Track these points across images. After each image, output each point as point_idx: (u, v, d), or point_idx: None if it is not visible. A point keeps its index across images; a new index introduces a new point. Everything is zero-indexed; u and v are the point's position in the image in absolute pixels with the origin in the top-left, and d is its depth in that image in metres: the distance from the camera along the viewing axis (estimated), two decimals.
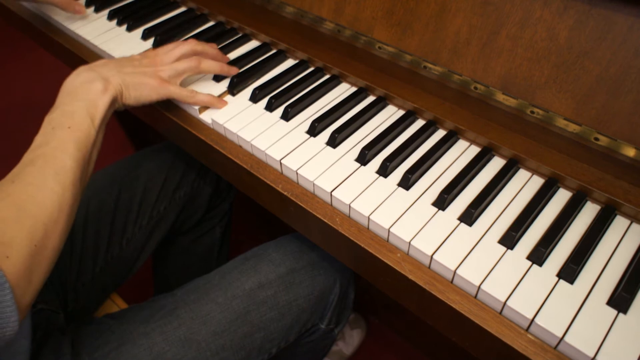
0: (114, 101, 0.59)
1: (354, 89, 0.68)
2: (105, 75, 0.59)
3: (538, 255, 0.48)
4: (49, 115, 0.55)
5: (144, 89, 0.61)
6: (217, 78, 0.70)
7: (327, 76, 0.70)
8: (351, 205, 0.53)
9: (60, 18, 0.83)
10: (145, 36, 0.78)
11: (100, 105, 0.57)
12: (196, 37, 0.78)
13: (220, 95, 0.67)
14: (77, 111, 0.55)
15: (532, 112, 0.59)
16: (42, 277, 0.47)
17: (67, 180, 0.50)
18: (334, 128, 0.61)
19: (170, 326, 0.63)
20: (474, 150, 0.59)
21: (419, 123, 0.63)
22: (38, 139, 0.53)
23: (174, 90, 0.63)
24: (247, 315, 0.66)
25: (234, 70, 0.70)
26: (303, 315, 0.71)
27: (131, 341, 0.62)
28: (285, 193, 0.57)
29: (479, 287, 0.46)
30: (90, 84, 0.57)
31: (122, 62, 0.63)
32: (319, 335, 0.78)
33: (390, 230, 0.50)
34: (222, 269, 0.71)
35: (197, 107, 0.65)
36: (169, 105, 0.68)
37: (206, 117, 0.65)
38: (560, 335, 0.42)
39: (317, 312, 0.74)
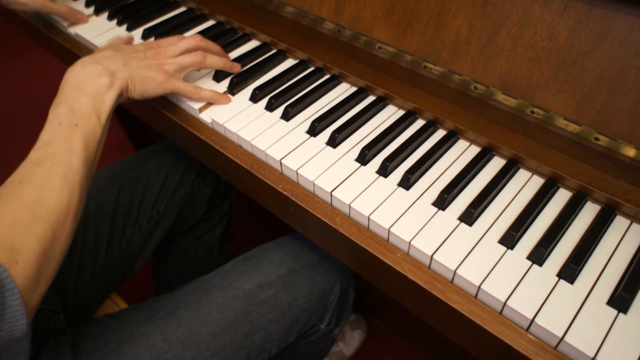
0: (119, 96, 0.58)
1: (354, 89, 0.68)
2: (112, 69, 0.58)
3: (538, 255, 0.48)
4: (55, 109, 0.54)
5: (149, 83, 0.61)
6: (217, 78, 0.70)
7: (327, 76, 0.70)
8: (351, 205, 0.53)
9: (60, 18, 0.83)
10: (145, 36, 0.78)
11: (107, 101, 0.56)
12: None
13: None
14: (84, 107, 0.54)
15: (532, 112, 0.59)
16: (49, 279, 0.47)
17: (74, 181, 0.50)
18: (334, 128, 0.61)
19: (170, 326, 0.63)
20: (474, 150, 0.59)
21: (419, 123, 0.63)
22: (45, 136, 0.52)
23: (179, 86, 0.63)
24: (247, 316, 0.66)
25: (237, 67, 0.70)
26: (303, 316, 0.71)
27: (131, 341, 0.61)
28: (285, 193, 0.57)
29: (479, 287, 0.46)
30: (97, 78, 0.57)
31: (127, 54, 0.62)
32: (318, 336, 0.78)
33: (391, 230, 0.50)
34: (222, 269, 0.71)
35: (197, 107, 0.65)
36: (168, 104, 0.68)
37: (206, 116, 0.65)
38: (560, 335, 0.42)
39: (317, 313, 0.74)
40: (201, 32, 0.79)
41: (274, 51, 0.75)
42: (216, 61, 0.67)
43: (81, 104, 0.54)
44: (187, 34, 0.80)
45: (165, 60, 0.63)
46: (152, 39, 0.78)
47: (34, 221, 0.46)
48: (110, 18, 0.82)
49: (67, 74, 0.57)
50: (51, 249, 0.47)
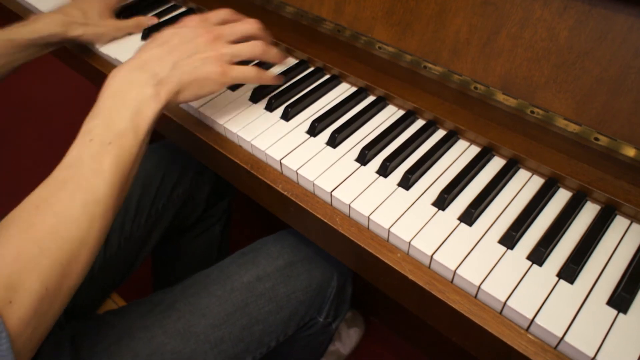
0: (166, 106, 0.52)
1: (354, 89, 0.68)
2: (160, 75, 0.51)
3: (538, 255, 0.48)
4: (89, 121, 0.48)
5: (204, 83, 0.54)
6: None
7: (327, 76, 0.70)
8: (351, 205, 0.53)
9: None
10: (145, 36, 0.78)
11: (149, 115, 0.49)
12: None
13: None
14: (122, 122, 0.47)
15: (532, 112, 0.59)
16: (53, 319, 0.43)
17: (96, 211, 0.44)
18: (334, 128, 0.61)
19: (170, 319, 0.63)
20: (474, 150, 0.59)
21: (419, 123, 0.63)
22: (73, 152, 0.46)
23: (237, 76, 0.56)
24: (246, 308, 0.66)
25: (285, 59, 0.65)
26: (301, 308, 0.71)
27: (130, 335, 0.62)
28: (285, 193, 0.57)
29: (479, 287, 0.46)
30: (141, 87, 0.50)
31: (177, 49, 0.53)
32: (317, 329, 0.78)
33: (390, 230, 0.50)
34: (220, 263, 0.72)
35: (196, 107, 0.65)
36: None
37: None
38: (560, 335, 0.42)
39: (315, 305, 0.74)
40: None
41: None
42: (275, 55, 0.60)
43: (119, 118, 0.48)
44: None
45: (221, 48, 0.55)
46: None
47: (41, 256, 0.40)
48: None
49: (109, 80, 0.50)
50: (57, 288, 0.41)
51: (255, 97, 0.66)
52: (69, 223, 0.43)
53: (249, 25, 0.58)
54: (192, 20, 0.57)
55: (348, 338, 1.14)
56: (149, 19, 0.77)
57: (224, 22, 0.59)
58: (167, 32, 0.56)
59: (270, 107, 0.65)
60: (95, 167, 0.45)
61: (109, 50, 0.75)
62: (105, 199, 0.45)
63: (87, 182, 0.44)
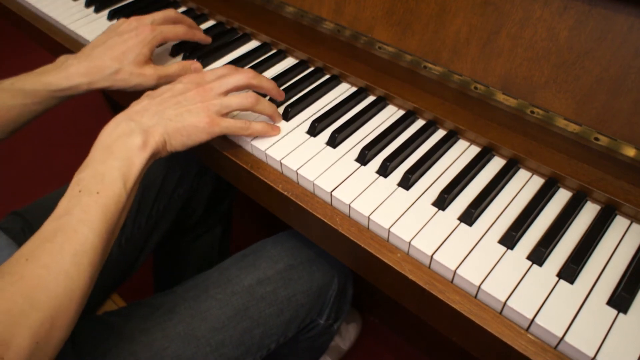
0: (154, 155, 0.52)
1: (354, 89, 0.68)
2: (146, 125, 0.52)
3: (538, 255, 0.48)
4: (79, 173, 0.49)
5: (192, 132, 0.54)
6: None
7: (327, 76, 0.70)
8: (351, 205, 0.53)
9: (61, 18, 0.83)
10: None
11: (137, 164, 0.50)
12: None
13: None
14: (109, 172, 0.48)
15: (532, 112, 0.59)
16: None
17: (85, 261, 0.45)
18: (334, 128, 0.61)
19: (170, 322, 0.63)
20: (474, 150, 0.59)
21: (419, 123, 0.63)
22: (63, 203, 0.47)
23: (226, 127, 0.56)
24: (247, 311, 0.66)
25: (280, 119, 0.62)
26: (302, 311, 0.71)
27: (131, 338, 0.62)
28: (285, 193, 0.57)
29: (479, 287, 0.46)
30: (128, 137, 0.50)
31: (164, 102, 0.54)
32: (317, 331, 0.78)
33: (391, 230, 0.50)
34: (220, 265, 0.71)
35: None
36: None
37: None
38: (560, 335, 0.42)
39: (316, 308, 0.74)
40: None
41: (274, 51, 0.75)
42: (267, 108, 0.59)
43: (106, 169, 0.48)
44: None
45: (210, 99, 0.55)
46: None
47: (32, 309, 0.40)
48: (110, 18, 0.82)
49: (100, 134, 0.52)
50: (46, 342, 0.41)
51: None
52: (58, 274, 0.43)
53: (241, 76, 0.58)
54: (187, 77, 0.58)
55: (347, 333, 1.15)
56: (192, 63, 0.68)
57: (221, 78, 0.58)
58: (161, 88, 0.57)
59: None
60: (83, 216, 0.46)
61: None
62: (93, 248, 0.46)
63: (75, 232, 0.45)
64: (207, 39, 0.72)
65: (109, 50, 0.63)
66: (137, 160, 0.50)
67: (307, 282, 0.71)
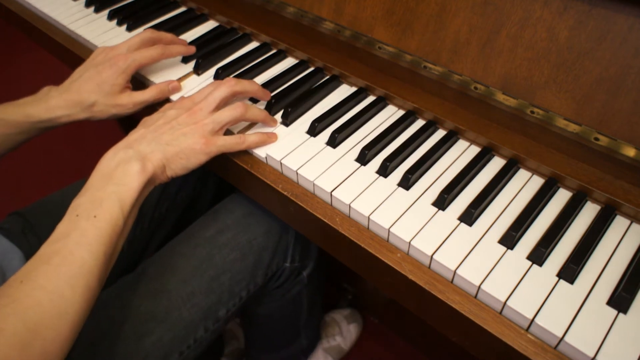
0: (151, 181, 0.54)
1: (354, 88, 0.68)
2: (144, 152, 0.54)
3: (538, 255, 0.48)
4: (77, 199, 0.50)
5: (190, 154, 0.56)
6: (215, 76, 0.70)
7: (327, 76, 0.70)
8: (351, 205, 0.53)
9: (61, 18, 0.83)
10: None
11: (134, 188, 0.51)
12: (195, 37, 0.78)
13: None
14: (107, 198, 0.49)
15: (532, 112, 0.59)
16: None
17: (81, 283, 0.45)
18: (334, 128, 0.61)
19: (141, 283, 0.65)
20: (474, 150, 0.59)
21: (419, 123, 0.63)
22: (60, 227, 0.48)
23: (222, 145, 0.57)
24: (211, 260, 0.68)
25: (274, 122, 0.63)
26: (265, 255, 0.73)
27: (105, 304, 0.63)
28: (285, 193, 0.57)
29: (479, 287, 0.46)
30: (126, 164, 0.52)
31: (159, 128, 0.56)
32: (285, 278, 0.79)
33: (390, 230, 0.50)
34: (186, 230, 0.74)
35: None
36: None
37: None
38: (560, 335, 0.42)
39: (279, 252, 0.75)
40: (202, 33, 0.80)
41: (274, 51, 0.75)
42: (258, 114, 0.60)
43: (104, 195, 0.50)
44: (187, 34, 0.80)
45: (202, 119, 0.57)
46: None
47: (24, 331, 0.40)
48: (110, 18, 0.82)
49: (99, 163, 0.53)
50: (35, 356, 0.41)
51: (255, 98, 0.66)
52: (53, 295, 0.43)
53: (223, 87, 0.59)
54: (179, 102, 0.60)
55: (348, 333, 1.15)
56: (169, 84, 0.67)
57: (207, 96, 0.59)
58: (154, 116, 0.59)
59: (270, 108, 0.65)
60: (81, 239, 0.46)
61: None
62: (90, 270, 0.46)
63: (72, 255, 0.45)
64: (190, 50, 0.72)
65: (85, 83, 0.63)
66: (134, 185, 0.51)
67: (266, 224, 0.73)
